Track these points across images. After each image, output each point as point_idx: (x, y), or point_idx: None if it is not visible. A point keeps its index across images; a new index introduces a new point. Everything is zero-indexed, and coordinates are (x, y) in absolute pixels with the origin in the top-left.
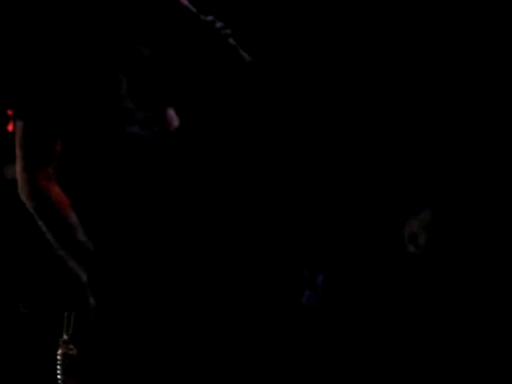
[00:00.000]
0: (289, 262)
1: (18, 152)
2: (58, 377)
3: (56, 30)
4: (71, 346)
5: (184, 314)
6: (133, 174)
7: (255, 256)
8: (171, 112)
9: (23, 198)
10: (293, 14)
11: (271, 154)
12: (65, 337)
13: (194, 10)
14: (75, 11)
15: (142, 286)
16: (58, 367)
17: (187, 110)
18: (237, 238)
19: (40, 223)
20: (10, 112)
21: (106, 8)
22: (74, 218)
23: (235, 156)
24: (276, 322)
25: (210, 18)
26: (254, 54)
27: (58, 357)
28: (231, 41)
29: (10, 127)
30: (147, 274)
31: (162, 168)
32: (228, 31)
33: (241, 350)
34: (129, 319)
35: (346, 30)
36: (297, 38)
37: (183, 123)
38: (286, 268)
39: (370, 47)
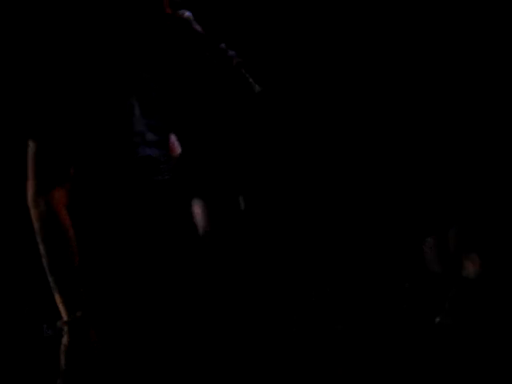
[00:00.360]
0: (314, 282)
1: (29, 172)
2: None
3: (70, 50)
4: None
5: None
6: (145, 195)
7: (282, 276)
8: (173, 138)
9: (31, 216)
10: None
11: (285, 176)
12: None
13: (206, 37)
14: (90, 33)
15: (147, 317)
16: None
17: (192, 136)
18: (258, 258)
19: (40, 245)
20: None
21: (120, 32)
22: (75, 252)
23: (242, 179)
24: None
25: (222, 45)
26: (264, 83)
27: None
28: (242, 70)
29: None
30: (152, 299)
31: (175, 189)
32: (240, 60)
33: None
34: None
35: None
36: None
37: (186, 149)
38: (312, 288)
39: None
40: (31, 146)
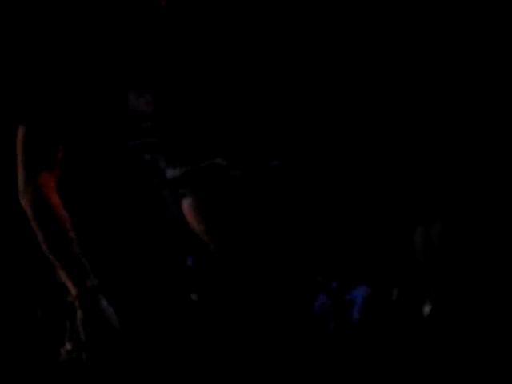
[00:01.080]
0: (303, 267)
1: (18, 157)
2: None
3: (62, 35)
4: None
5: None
6: (131, 183)
7: (267, 260)
8: None
9: (23, 204)
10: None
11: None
12: (67, 346)
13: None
14: (83, 18)
15: (142, 303)
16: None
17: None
18: (250, 242)
19: (36, 232)
20: None
21: (114, 20)
22: (71, 230)
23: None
24: (287, 327)
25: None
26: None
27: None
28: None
29: None
30: (146, 285)
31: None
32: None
33: (247, 354)
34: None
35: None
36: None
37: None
38: (300, 273)
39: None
40: (20, 131)
